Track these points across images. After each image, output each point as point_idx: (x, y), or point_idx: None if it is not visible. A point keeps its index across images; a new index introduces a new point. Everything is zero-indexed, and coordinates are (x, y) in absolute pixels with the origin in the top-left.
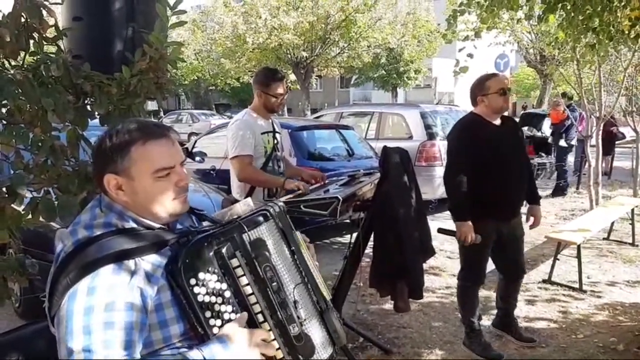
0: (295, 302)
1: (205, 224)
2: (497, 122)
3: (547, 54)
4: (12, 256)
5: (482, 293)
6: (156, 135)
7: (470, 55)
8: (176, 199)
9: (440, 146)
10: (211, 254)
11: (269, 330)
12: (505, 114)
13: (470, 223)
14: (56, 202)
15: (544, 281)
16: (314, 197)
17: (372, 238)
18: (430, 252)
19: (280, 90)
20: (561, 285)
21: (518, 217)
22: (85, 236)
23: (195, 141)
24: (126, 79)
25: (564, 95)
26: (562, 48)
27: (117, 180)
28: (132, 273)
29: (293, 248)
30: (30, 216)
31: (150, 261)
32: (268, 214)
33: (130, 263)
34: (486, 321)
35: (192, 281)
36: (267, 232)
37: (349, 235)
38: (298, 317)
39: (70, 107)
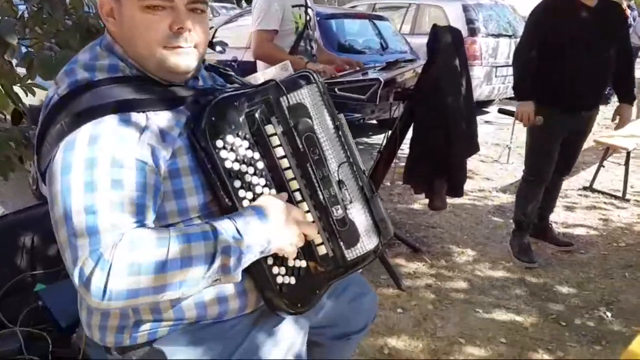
0: (339, 182)
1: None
2: (592, 2)
3: None
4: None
5: None
6: None
7: None
8: (168, 47)
9: (482, 44)
10: (242, 117)
11: (308, 211)
12: None
13: (531, 103)
14: (54, 59)
15: (584, 188)
16: (351, 79)
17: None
18: (476, 148)
19: None
20: (603, 193)
21: (590, 113)
22: (85, 78)
23: (215, 30)
24: None
25: None
26: None
27: (111, 4)
28: (143, 128)
29: (337, 123)
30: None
31: (165, 117)
32: (310, 76)
33: (141, 116)
34: None
35: (219, 143)
36: (309, 98)
37: (376, 137)
38: (342, 200)
39: None
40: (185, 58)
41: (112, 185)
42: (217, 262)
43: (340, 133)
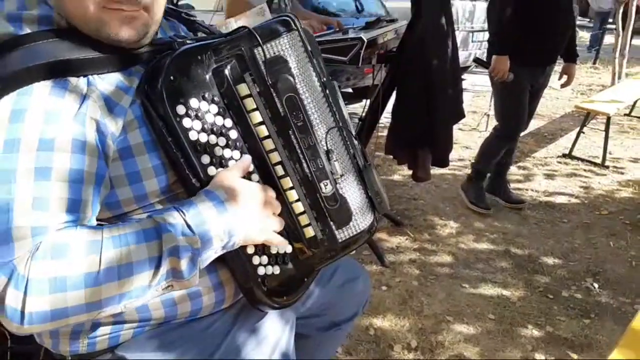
0: (328, 151)
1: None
2: None
3: None
4: None
5: None
6: None
7: None
8: (108, 9)
9: (458, 7)
10: (208, 75)
11: (291, 188)
12: None
13: (507, 58)
14: None
15: (563, 155)
16: (331, 39)
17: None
18: (461, 114)
19: None
20: (582, 160)
21: (552, 66)
22: (8, 33)
23: None
24: None
25: None
26: None
27: None
28: (84, 97)
29: (324, 79)
30: None
31: (113, 82)
32: (291, 22)
33: (81, 82)
34: None
35: (180, 109)
36: (290, 49)
37: (351, 106)
38: (332, 172)
39: None
40: (129, 26)
41: (35, 175)
42: (165, 267)
43: (327, 92)
